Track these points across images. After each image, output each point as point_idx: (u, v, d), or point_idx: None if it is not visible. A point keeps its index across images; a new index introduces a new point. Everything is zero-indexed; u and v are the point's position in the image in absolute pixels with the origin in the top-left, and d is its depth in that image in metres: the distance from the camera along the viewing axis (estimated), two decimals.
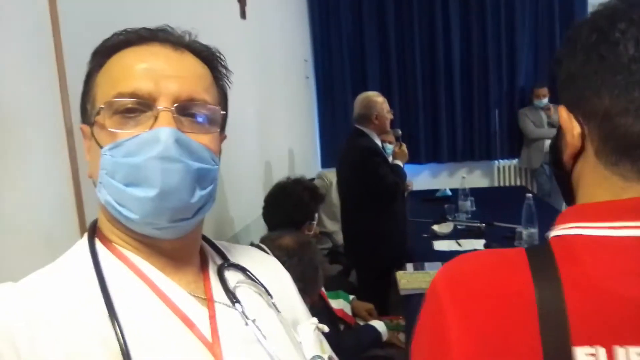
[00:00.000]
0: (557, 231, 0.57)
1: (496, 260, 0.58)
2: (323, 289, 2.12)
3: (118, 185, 0.61)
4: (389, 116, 3.01)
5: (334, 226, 3.79)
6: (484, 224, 3.08)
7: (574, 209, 0.58)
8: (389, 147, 3.17)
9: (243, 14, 2.82)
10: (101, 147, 0.62)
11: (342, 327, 2.15)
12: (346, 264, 3.39)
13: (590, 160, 0.57)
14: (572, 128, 0.58)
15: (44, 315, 0.56)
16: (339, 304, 2.23)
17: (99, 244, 0.66)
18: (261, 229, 2.78)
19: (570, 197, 0.62)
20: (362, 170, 2.83)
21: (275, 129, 3.63)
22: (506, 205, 3.51)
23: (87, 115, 0.67)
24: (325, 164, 5.14)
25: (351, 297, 2.41)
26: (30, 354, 0.53)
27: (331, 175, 3.81)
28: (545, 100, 4.67)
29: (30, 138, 1.13)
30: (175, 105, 0.62)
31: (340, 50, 5.11)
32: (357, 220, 3.01)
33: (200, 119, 0.65)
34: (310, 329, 0.73)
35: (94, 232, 0.68)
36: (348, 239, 3.18)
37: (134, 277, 0.64)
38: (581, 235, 0.54)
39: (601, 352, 0.49)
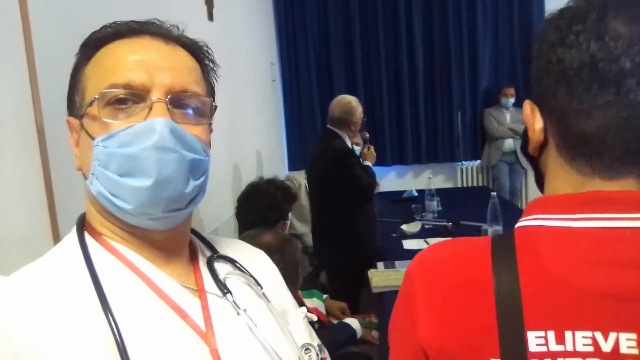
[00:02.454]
0: (522, 222, 0.61)
1: (464, 249, 0.62)
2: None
3: (112, 176, 0.61)
4: (360, 119, 3.06)
5: (303, 228, 3.81)
6: (450, 223, 3.16)
7: (539, 201, 0.62)
8: (357, 149, 3.22)
9: (210, 16, 2.81)
10: (93, 139, 0.62)
11: (316, 325, 2.16)
12: (316, 265, 3.40)
13: (552, 154, 0.61)
14: (534, 123, 0.61)
15: (38, 309, 0.55)
16: (313, 302, 2.24)
17: (88, 237, 0.66)
18: (231, 231, 2.76)
19: (540, 183, 0.66)
20: (338, 171, 2.86)
21: (243, 132, 3.62)
22: (471, 204, 3.61)
23: (75, 107, 0.66)
24: (292, 166, 5.15)
25: (325, 296, 2.43)
26: (26, 348, 0.52)
27: (300, 177, 3.83)
28: (512, 100, 4.84)
29: (0, 138, 1.10)
30: (168, 96, 0.63)
31: (307, 54, 5.14)
32: (329, 221, 3.03)
33: (191, 111, 0.66)
34: (299, 318, 0.75)
35: (82, 225, 0.67)
36: (318, 239, 3.20)
37: (125, 269, 0.64)
38: (542, 226, 0.58)
39: (550, 335, 0.53)
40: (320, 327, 2.15)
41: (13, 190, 1.14)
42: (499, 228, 2.63)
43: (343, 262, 2.97)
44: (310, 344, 0.72)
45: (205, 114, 0.68)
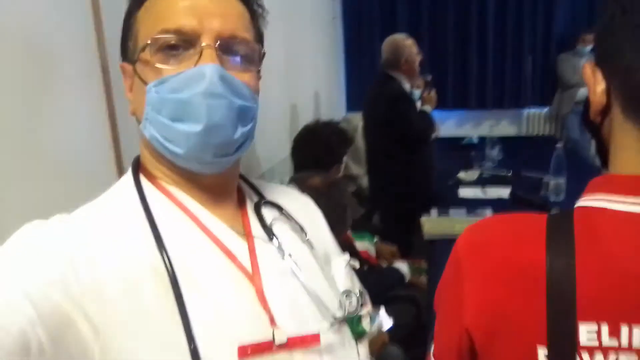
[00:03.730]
0: (583, 201, 0.56)
1: (516, 229, 0.58)
2: (349, 230, 2.16)
3: (164, 120, 0.62)
4: (418, 58, 2.93)
5: (358, 170, 3.80)
6: (510, 173, 3.06)
7: (604, 179, 0.56)
8: (417, 93, 3.12)
9: None
10: (146, 84, 0.63)
11: (365, 267, 2.21)
12: (370, 208, 3.43)
13: (617, 118, 0.55)
14: (595, 84, 0.56)
15: (98, 243, 0.59)
16: (363, 244, 2.28)
17: (143, 179, 0.68)
18: (287, 171, 2.80)
19: (604, 156, 0.60)
20: (391, 116, 2.79)
21: (302, 72, 3.59)
22: (534, 154, 3.46)
23: (128, 52, 0.68)
24: (350, 107, 5.09)
25: (375, 239, 2.46)
26: (88, 277, 0.55)
27: (357, 119, 3.78)
28: (589, 47, 4.48)
29: (68, 75, 1.15)
30: (218, 42, 0.63)
31: None
32: (384, 165, 3.01)
33: (240, 58, 0.66)
34: (342, 265, 0.76)
35: (137, 168, 0.70)
36: (374, 183, 3.20)
37: (178, 210, 0.66)
38: (606, 209, 0.53)
39: (604, 328, 0.49)
40: (369, 269, 2.20)
41: (79, 126, 1.19)
42: (561, 181, 2.52)
43: (396, 207, 2.97)
44: (351, 290, 0.73)
45: (254, 60, 0.68)
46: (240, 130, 0.65)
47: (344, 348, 0.70)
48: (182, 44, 0.62)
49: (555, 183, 2.53)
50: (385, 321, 1.68)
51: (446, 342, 0.62)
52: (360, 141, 3.63)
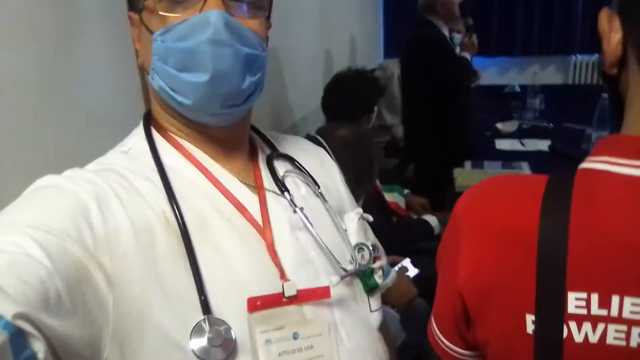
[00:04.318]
0: (587, 163, 0.52)
1: (514, 191, 0.56)
2: (378, 182, 2.15)
3: (171, 70, 0.61)
4: (457, 0, 2.78)
5: (393, 119, 3.73)
6: (551, 124, 2.94)
7: (611, 139, 0.52)
8: (457, 38, 2.98)
9: None
10: (152, 33, 0.62)
11: (394, 219, 2.21)
12: (403, 158, 3.38)
13: (633, 72, 0.50)
14: (610, 33, 0.51)
15: (111, 195, 0.59)
16: (393, 197, 2.26)
17: (154, 132, 0.68)
18: (320, 119, 2.78)
19: (620, 113, 0.55)
20: (427, 63, 2.69)
21: (337, 15, 3.48)
22: (580, 105, 3.30)
23: (134, 2, 0.66)
24: (388, 53, 4.94)
25: (406, 191, 2.44)
26: (102, 228, 0.55)
27: (393, 65, 3.66)
28: None
29: (97, 24, 1.14)
30: None
31: None
32: (418, 114, 2.93)
33: (247, 3, 0.63)
34: (355, 218, 0.75)
35: (148, 120, 0.70)
36: (409, 133, 3.14)
37: (188, 163, 0.67)
38: (608, 172, 0.49)
39: (593, 298, 0.47)
40: (398, 221, 2.20)
41: (109, 75, 1.20)
42: (605, 134, 2.41)
43: (430, 158, 2.92)
44: (363, 244, 0.73)
45: (262, 6, 0.65)
46: (249, 80, 0.63)
47: (355, 301, 0.70)
48: None
49: (597, 136, 2.42)
50: (411, 270, 1.69)
51: (443, 303, 0.62)
52: (396, 90, 3.54)
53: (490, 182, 0.59)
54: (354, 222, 0.75)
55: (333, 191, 0.80)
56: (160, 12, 0.61)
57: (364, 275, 0.72)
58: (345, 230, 0.75)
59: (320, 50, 3.16)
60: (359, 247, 0.72)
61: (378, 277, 0.73)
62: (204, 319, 0.56)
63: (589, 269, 0.48)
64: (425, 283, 1.69)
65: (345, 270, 0.68)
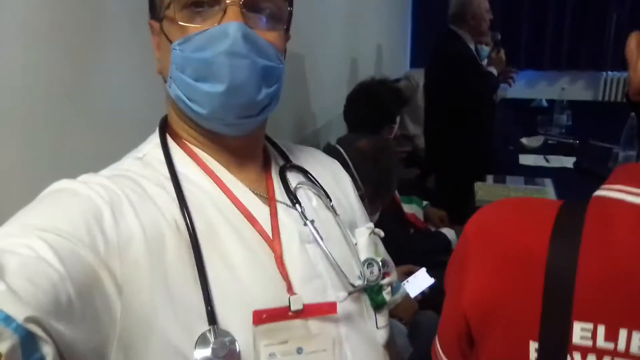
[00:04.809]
0: (602, 190, 0.51)
1: (524, 215, 0.55)
2: (397, 193, 2.14)
3: (188, 80, 0.62)
4: (488, 15, 2.76)
5: (416, 129, 3.71)
6: (577, 141, 2.89)
7: (628, 168, 0.52)
8: (485, 50, 2.95)
9: None
10: (171, 42, 0.63)
11: (412, 230, 2.19)
12: (424, 169, 3.36)
13: None
14: (638, 59, 0.50)
15: (124, 201, 0.59)
16: (411, 208, 2.25)
17: (169, 139, 0.69)
18: (343, 126, 2.78)
19: None
20: (450, 76, 2.68)
21: (364, 23, 3.48)
22: (608, 122, 3.23)
23: (155, 10, 0.67)
24: (414, 63, 4.92)
25: (425, 203, 2.42)
26: (114, 234, 0.56)
27: (418, 76, 3.65)
28: None
29: (121, 25, 1.16)
30: None
31: None
32: (441, 127, 2.92)
33: (266, 16, 0.64)
34: (366, 233, 0.75)
35: (164, 127, 0.71)
36: (430, 144, 3.12)
37: (201, 172, 0.67)
38: (624, 201, 0.48)
39: (600, 330, 0.46)
40: (415, 232, 2.18)
41: (132, 79, 1.22)
42: (632, 153, 2.35)
43: (452, 170, 2.89)
44: (373, 259, 0.72)
45: (281, 19, 0.66)
46: (265, 91, 0.64)
47: (361, 317, 0.70)
48: (207, 0, 0.61)
49: (624, 155, 2.37)
50: (427, 280, 1.67)
51: (447, 323, 0.61)
52: (420, 100, 3.52)
53: (502, 204, 0.59)
54: (365, 237, 0.74)
55: (345, 204, 0.80)
56: (180, 22, 0.62)
57: (372, 292, 0.71)
58: (356, 244, 0.74)
59: (346, 58, 3.17)
60: (368, 262, 0.72)
61: (386, 294, 0.73)
62: (209, 329, 0.57)
63: (596, 299, 0.47)
64: (437, 295, 1.68)
65: (353, 285, 0.68)
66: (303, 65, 2.41)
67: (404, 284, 1.60)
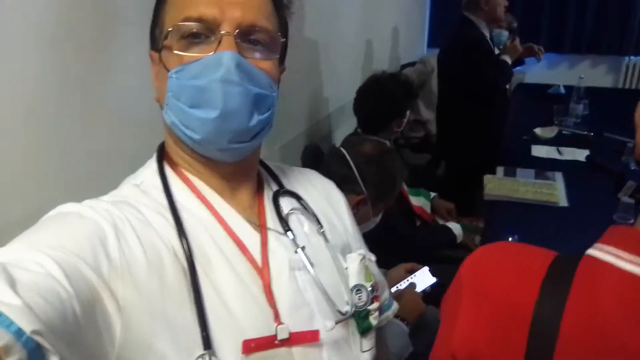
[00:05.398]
0: (595, 249, 0.52)
1: (517, 266, 0.57)
2: (404, 185, 2.16)
3: (183, 107, 0.65)
4: (503, 2, 2.69)
5: (429, 114, 3.68)
6: (592, 133, 2.84)
7: (621, 230, 0.52)
8: (504, 35, 2.87)
9: None
10: (168, 71, 0.66)
11: (418, 223, 2.21)
12: (436, 155, 3.35)
13: None
14: None
15: (127, 225, 0.62)
16: (419, 201, 2.26)
17: (166, 166, 0.72)
18: None
19: None
20: (462, 64, 2.64)
21: (381, 5, 3.43)
22: (628, 111, 3.14)
23: (155, 41, 0.70)
24: (431, 45, 4.84)
25: (433, 194, 2.43)
26: (117, 256, 0.59)
27: (434, 60, 3.60)
28: None
29: (132, 29, 1.18)
30: (237, 30, 0.64)
31: None
32: (452, 114, 2.90)
33: (260, 46, 0.67)
34: (357, 260, 0.77)
35: (162, 154, 0.74)
36: (442, 131, 3.10)
37: (196, 199, 0.70)
38: (614, 265, 0.49)
39: None
40: (421, 225, 2.20)
41: (143, 79, 1.24)
42: None
43: (462, 160, 2.88)
44: (362, 286, 0.75)
45: (274, 49, 0.69)
46: (257, 118, 0.66)
47: (346, 343, 0.73)
48: (203, 31, 0.64)
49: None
50: (429, 279, 1.70)
51: (438, 355, 0.64)
52: (434, 85, 3.48)
53: (498, 248, 0.61)
54: (356, 263, 0.77)
55: (338, 226, 0.82)
56: (177, 52, 0.65)
57: (359, 317, 0.74)
58: (347, 268, 0.77)
59: (362, 41, 3.13)
60: (357, 288, 0.75)
61: (373, 319, 0.75)
62: (204, 354, 0.60)
63: (576, 356, 0.48)
64: (440, 289, 1.70)
65: (341, 313, 0.71)
66: (317, 50, 2.39)
67: (407, 282, 1.63)
